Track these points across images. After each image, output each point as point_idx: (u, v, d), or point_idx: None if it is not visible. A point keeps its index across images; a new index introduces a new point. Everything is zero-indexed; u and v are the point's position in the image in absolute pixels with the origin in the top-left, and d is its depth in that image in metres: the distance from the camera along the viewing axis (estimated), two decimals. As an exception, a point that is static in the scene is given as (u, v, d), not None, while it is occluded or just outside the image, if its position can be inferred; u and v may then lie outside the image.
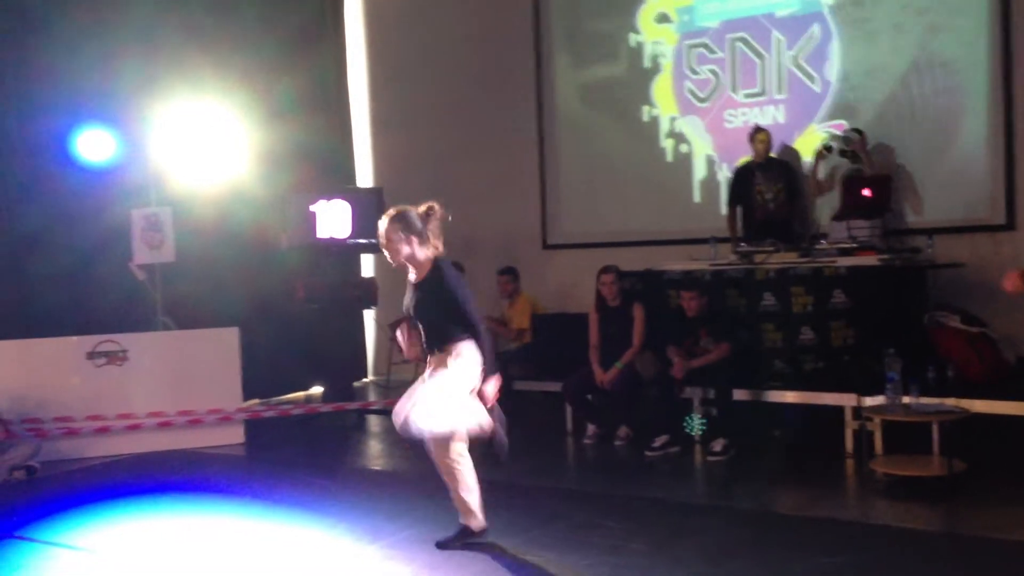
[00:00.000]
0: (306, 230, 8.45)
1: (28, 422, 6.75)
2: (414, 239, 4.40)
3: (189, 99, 8.07)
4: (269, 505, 5.56)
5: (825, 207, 7.90)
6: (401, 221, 4.39)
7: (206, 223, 8.44)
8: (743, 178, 8.05)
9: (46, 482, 6.36)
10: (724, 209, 8.46)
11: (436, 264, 4.47)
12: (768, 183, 7.87)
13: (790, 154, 8.20)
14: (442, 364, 4.45)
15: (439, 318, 4.43)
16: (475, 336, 4.43)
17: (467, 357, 4.43)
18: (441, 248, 4.49)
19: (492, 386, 4.47)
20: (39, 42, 7.73)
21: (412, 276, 4.53)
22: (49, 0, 7.80)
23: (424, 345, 4.55)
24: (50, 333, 7.09)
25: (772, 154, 7.99)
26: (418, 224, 4.41)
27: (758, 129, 7.99)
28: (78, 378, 7.00)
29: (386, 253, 4.46)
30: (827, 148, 7.73)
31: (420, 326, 4.53)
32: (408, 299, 4.56)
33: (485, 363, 4.45)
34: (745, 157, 8.11)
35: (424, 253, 4.44)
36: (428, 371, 4.55)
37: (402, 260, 4.44)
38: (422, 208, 4.47)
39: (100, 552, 4.83)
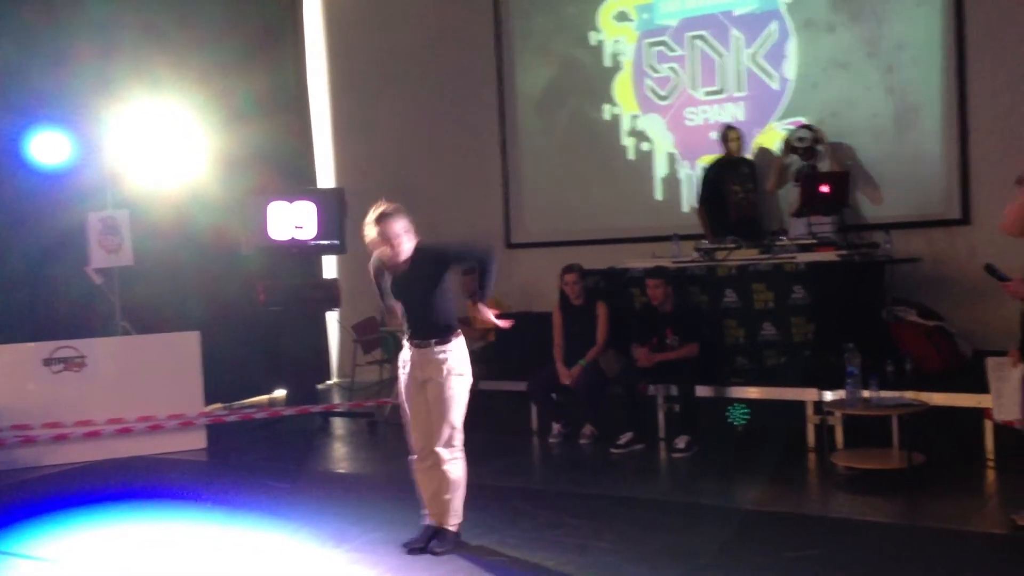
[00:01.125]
0: (266, 232, 8.37)
1: (-16, 430, 6.63)
2: (412, 230, 4.46)
3: (146, 100, 7.96)
4: (232, 510, 5.50)
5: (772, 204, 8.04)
6: (402, 216, 4.43)
7: (164, 226, 8.34)
8: (715, 176, 8.06)
9: (3, 491, 6.24)
10: (686, 207, 8.52)
11: (417, 244, 4.49)
12: (741, 181, 7.92)
13: (757, 152, 8.25)
14: (435, 364, 4.43)
15: (433, 295, 4.43)
16: (487, 258, 4.52)
17: (462, 352, 4.48)
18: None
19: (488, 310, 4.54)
20: (-10, 43, 7.59)
21: (398, 265, 4.49)
22: (2, 0, 7.65)
23: (409, 332, 4.52)
24: (5, 339, 6.97)
25: (745, 154, 8.05)
26: (401, 217, 4.46)
27: (729, 127, 8.04)
28: (35, 385, 6.89)
29: (393, 251, 4.42)
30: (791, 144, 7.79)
31: (410, 314, 4.51)
32: (394, 285, 4.53)
33: (484, 287, 4.54)
34: (711, 155, 8.17)
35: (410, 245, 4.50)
36: (409, 363, 4.53)
37: (405, 256, 4.44)
38: (394, 205, 4.49)
39: (61, 562, 4.75)
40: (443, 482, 4.50)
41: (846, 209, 7.33)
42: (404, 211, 4.46)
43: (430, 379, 4.47)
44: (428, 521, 4.64)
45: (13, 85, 7.62)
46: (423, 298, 4.45)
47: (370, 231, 4.44)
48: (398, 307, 4.57)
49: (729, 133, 8.01)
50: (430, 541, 4.56)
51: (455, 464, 4.51)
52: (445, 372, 4.44)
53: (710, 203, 8.03)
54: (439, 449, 4.45)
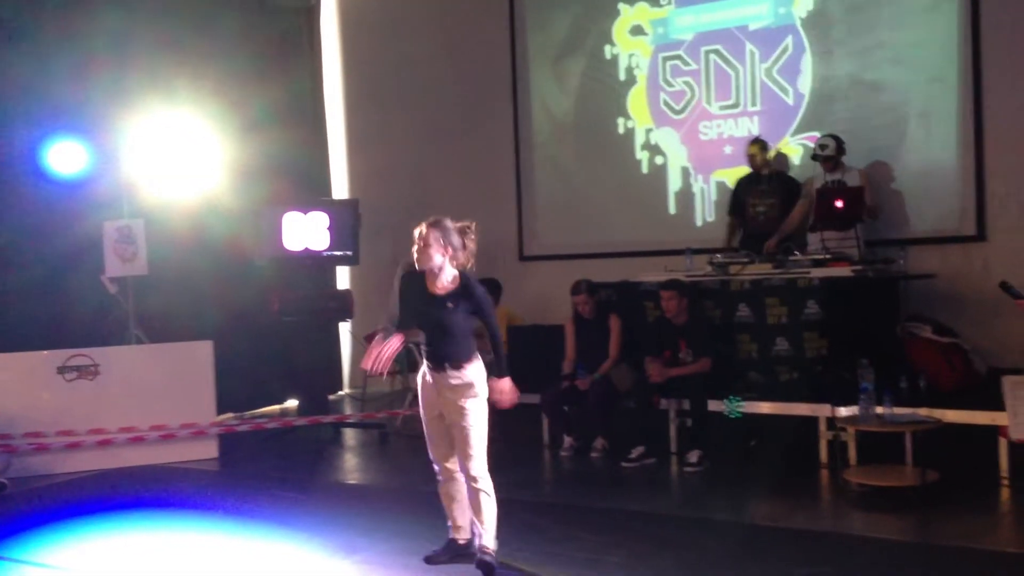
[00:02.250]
0: (281, 243, 8.40)
1: (-3, 438, 6.66)
2: (449, 250, 4.37)
3: (162, 111, 8.01)
4: (243, 520, 5.51)
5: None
6: (440, 229, 4.36)
7: (179, 235, 8.38)
8: (739, 190, 8.09)
9: (16, 499, 6.27)
10: (700, 221, 8.54)
11: (464, 276, 4.43)
12: (760, 196, 7.89)
13: (785, 163, 8.20)
14: (452, 390, 4.39)
15: (460, 332, 4.39)
16: (496, 349, 4.49)
17: (479, 375, 4.43)
18: (465, 264, 4.47)
19: (507, 384, 4.52)
20: (9, 54, 7.65)
21: (432, 287, 4.43)
22: (21, 11, 7.73)
23: (427, 356, 4.47)
24: (20, 347, 6.99)
25: (771, 154, 7.99)
26: (456, 239, 4.39)
27: (751, 141, 8.03)
28: (48, 393, 6.92)
29: (417, 255, 4.37)
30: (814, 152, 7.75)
31: (428, 337, 4.46)
32: (417, 307, 4.48)
33: (499, 367, 4.51)
34: (724, 170, 8.20)
35: (451, 269, 4.41)
36: (426, 383, 4.50)
37: (432, 266, 4.37)
38: (459, 224, 4.44)
39: (72, 570, 4.77)
40: (475, 505, 4.43)
41: (861, 224, 7.29)
42: (444, 225, 4.37)
43: (448, 403, 4.42)
44: (452, 535, 4.61)
45: (31, 96, 7.68)
46: (447, 328, 4.39)
47: (422, 228, 4.39)
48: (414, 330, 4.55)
49: (749, 148, 8.01)
50: (453, 556, 4.55)
51: (484, 486, 4.42)
52: (461, 397, 4.38)
53: (735, 216, 8.06)
54: (474, 473, 4.38)
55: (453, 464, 4.51)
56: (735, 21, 8.47)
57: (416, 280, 4.47)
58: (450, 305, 4.38)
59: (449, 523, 4.64)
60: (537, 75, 9.57)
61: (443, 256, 4.36)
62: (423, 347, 4.51)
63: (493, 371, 4.54)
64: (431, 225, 4.36)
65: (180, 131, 8.00)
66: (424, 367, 4.51)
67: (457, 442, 4.41)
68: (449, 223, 4.40)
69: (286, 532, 5.22)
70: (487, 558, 4.39)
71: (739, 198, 8.05)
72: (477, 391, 4.41)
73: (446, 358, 4.39)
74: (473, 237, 4.47)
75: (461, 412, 4.37)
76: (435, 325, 4.42)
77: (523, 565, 4.50)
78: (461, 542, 4.61)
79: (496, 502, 4.45)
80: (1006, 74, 7.41)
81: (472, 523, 4.50)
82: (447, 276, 4.40)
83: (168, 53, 8.58)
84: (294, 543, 5.03)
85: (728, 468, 6.35)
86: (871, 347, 6.23)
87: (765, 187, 7.92)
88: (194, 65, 8.72)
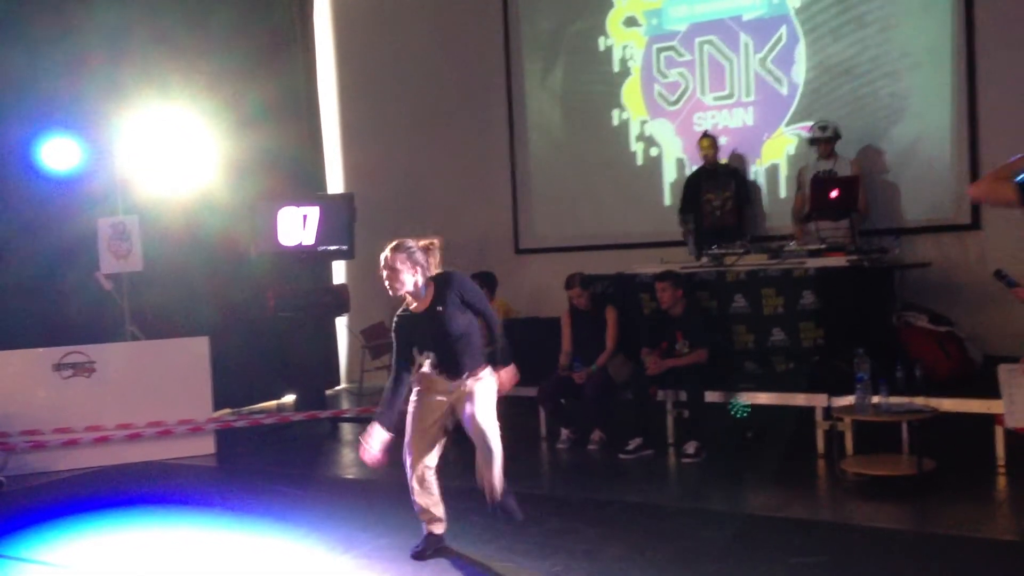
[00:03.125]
0: (276, 238, 8.39)
1: (-6, 436, 6.65)
2: (418, 270, 4.32)
3: (156, 106, 8.00)
4: (241, 516, 5.51)
5: (783, 212, 8.02)
6: (405, 251, 4.29)
7: (174, 231, 8.37)
8: (691, 186, 8.18)
9: (13, 496, 6.27)
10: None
11: (439, 276, 4.39)
12: (716, 190, 7.95)
13: (740, 160, 8.25)
14: (465, 392, 4.41)
15: (464, 332, 4.36)
16: (492, 333, 4.52)
17: (488, 380, 4.46)
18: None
19: (506, 374, 4.52)
20: (2, 49, 7.60)
21: (413, 306, 4.39)
22: (14, 6, 7.70)
23: (441, 370, 4.44)
24: (15, 345, 6.99)
25: (723, 160, 8.05)
26: (421, 257, 4.34)
27: (703, 135, 8.09)
28: (45, 390, 6.91)
29: (388, 284, 4.31)
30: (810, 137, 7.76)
31: (438, 355, 4.41)
32: (418, 333, 4.43)
33: (501, 355, 4.51)
34: (722, 161, 8.20)
35: (423, 282, 4.36)
36: (427, 384, 4.48)
37: (406, 291, 4.32)
38: (423, 242, 4.39)
39: (70, 567, 4.76)
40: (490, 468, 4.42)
41: (856, 214, 7.30)
42: (407, 247, 4.31)
43: (460, 396, 4.43)
44: (430, 529, 4.60)
45: (24, 92, 7.66)
46: (450, 333, 4.34)
47: (384, 253, 4.33)
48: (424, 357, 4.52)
49: (701, 141, 8.09)
50: (437, 549, 4.56)
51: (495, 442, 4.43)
52: (476, 395, 4.40)
53: (687, 212, 8.11)
54: (492, 444, 4.39)
55: (430, 460, 4.49)
56: (729, 12, 8.46)
57: (405, 319, 4.43)
58: (439, 309, 4.34)
59: (423, 519, 4.58)
60: (531, 67, 9.56)
61: (413, 275, 4.31)
62: (433, 366, 4.47)
63: (496, 359, 4.52)
64: (393, 250, 4.31)
65: (174, 126, 7.98)
66: (428, 368, 4.47)
67: (473, 430, 4.38)
68: (411, 243, 4.35)
69: (284, 527, 5.22)
70: (508, 499, 4.47)
71: (692, 194, 8.12)
72: (487, 383, 4.47)
73: (462, 368, 4.39)
74: (438, 253, 4.43)
75: (474, 398, 4.38)
76: (438, 338, 4.37)
77: (521, 557, 4.51)
78: (439, 533, 4.60)
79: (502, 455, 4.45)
80: (1000, 61, 7.42)
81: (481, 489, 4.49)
82: (423, 291, 4.35)
83: (162, 48, 8.56)
84: (292, 538, 5.03)
85: (725, 459, 6.36)
86: (867, 337, 6.24)
87: (724, 179, 7.96)
88: (188, 60, 8.70)
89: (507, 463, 4.49)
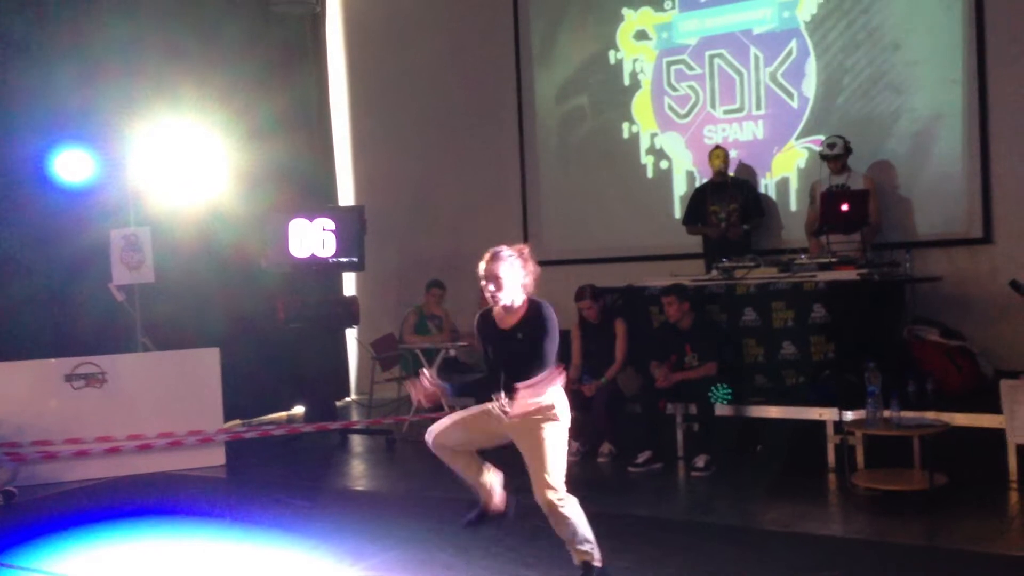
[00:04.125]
0: (286, 249, 8.42)
1: (6, 446, 6.66)
2: (519, 277, 4.17)
3: (169, 118, 8.04)
4: (250, 527, 5.51)
5: (793, 225, 8.01)
6: (508, 260, 4.14)
7: (186, 243, 8.41)
8: (697, 198, 8.20)
9: (24, 507, 6.28)
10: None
11: (533, 302, 4.21)
12: (721, 203, 7.96)
13: (748, 173, 8.25)
14: (534, 411, 4.16)
15: (535, 360, 4.14)
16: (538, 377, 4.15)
17: (562, 403, 4.22)
18: (531, 285, 4.26)
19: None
20: (17, 63, 7.69)
21: (502, 322, 4.23)
22: (29, 21, 7.77)
23: (504, 388, 4.22)
24: (28, 355, 7.03)
25: (730, 173, 8.05)
26: (520, 265, 4.18)
27: (714, 147, 8.10)
28: (56, 401, 6.93)
29: (493, 295, 4.15)
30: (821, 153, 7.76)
31: (505, 373, 4.22)
32: (491, 346, 4.29)
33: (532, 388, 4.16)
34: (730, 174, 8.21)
35: (521, 294, 4.21)
36: (499, 407, 4.28)
37: (510, 303, 4.16)
38: (516, 248, 4.24)
39: (79, 578, 4.77)
40: (560, 528, 4.21)
41: (867, 227, 7.29)
42: (510, 256, 4.15)
43: (521, 427, 4.19)
44: (484, 504, 4.43)
45: (38, 105, 7.72)
46: (521, 359, 4.16)
47: (482, 265, 4.19)
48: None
49: (711, 153, 8.10)
50: (482, 516, 4.40)
51: (568, 506, 4.19)
52: (540, 419, 4.17)
53: (692, 224, 8.19)
54: (554, 499, 4.14)
55: (450, 442, 4.31)
56: (739, 25, 8.48)
57: (485, 320, 4.31)
58: (520, 336, 4.19)
59: (479, 492, 4.41)
60: (541, 80, 9.58)
61: (517, 285, 4.16)
62: (502, 384, 4.26)
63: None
64: (494, 259, 4.14)
65: (186, 139, 8.02)
66: (499, 400, 4.27)
67: (532, 469, 4.18)
68: (507, 249, 4.20)
69: (294, 539, 5.22)
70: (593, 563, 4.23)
71: (698, 206, 8.14)
72: (557, 414, 4.19)
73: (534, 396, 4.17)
74: (528, 254, 4.25)
75: (538, 434, 4.16)
76: (509, 359, 4.23)
77: (530, 571, 4.51)
78: (494, 506, 4.41)
79: (581, 512, 4.22)
80: (1012, 76, 7.41)
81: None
82: (516, 303, 4.19)
83: (174, 61, 8.62)
84: (302, 550, 5.02)
85: (735, 472, 6.34)
86: (878, 350, 6.22)
87: (730, 192, 7.96)
88: (200, 73, 8.75)
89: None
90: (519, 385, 4.08)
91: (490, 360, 4.34)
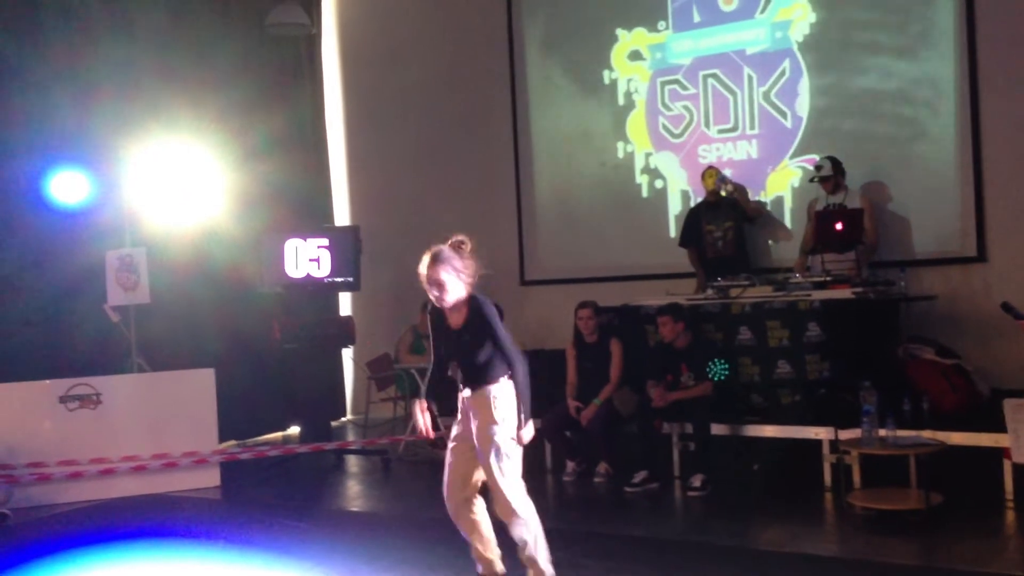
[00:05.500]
0: (282, 270, 8.42)
1: (-1, 468, 6.65)
2: (461, 276, 4.20)
3: (164, 139, 8.05)
4: (245, 549, 5.48)
5: (787, 244, 8.04)
6: (444, 261, 4.17)
7: (181, 264, 8.41)
8: (692, 218, 8.25)
9: (19, 529, 6.25)
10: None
11: (473, 301, 4.25)
12: (716, 222, 8.00)
13: (741, 190, 8.27)
14: (482, 409, 4.24)
15: (485, 356, 4.21)
16: (513, 372, 4.25)
17: (506, 399, 4.25)
18: (476, 277, 4.29)
19: (527, 433, 4.27)
20: (12, 84, 7.71)
21: (451, 320, 4.31)
22: (23, 43, 7.79)
23: (461, 382, 4.34)
24: (22, 377, 7.00)
25: (723, 193, 8.08)
26: (458, 262, 4.21)
27: (707, 168, 8.17)
28: (50, 423, 6.91)
29: (436, 295, 4.21)
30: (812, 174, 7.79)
31: (461, 371, 4.32)
32: (444, 345, 4.38)
33: (521, 407, 4.25)
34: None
35: (462, 290, 4.23)
36: (460, 414, 4.37)
37: (455, 302, 4.22)
38: (451, 243, 4.27)
39: (72, 601, 4.74)
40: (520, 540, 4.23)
41: (861, 246, 7.31)
42: (447, 256, 4.18)
43: (477, 430, 4.26)
44: (480, 570, 4.46)
45: (33, 126, 7.73)
46: (471, 359, 4.23)
47: (422, 269, 4.23)
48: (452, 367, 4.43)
49: (704, 174, 8.14)
50: None
51: (532, 523, 4.22)
52: (486, 421, 4.22)
53: (689, 244, 8.23)
54: (512, 516, 4.17)
55: (465, 492, 4.35)
56: (732, 45, 8.53)
57: (438, 315, 4.35)
58: (466, 338, 4.25)
59: (478, 565, 4.45)
60: (537, 100, 9.62)
61: (458, 281, 4.19)
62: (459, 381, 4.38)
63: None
64: (434, 262, 4.18)
65: (182, 160, 8.03)
66: (461, 396, 4.37)
67: (491, 486, 4.22)
68: (446, 250, 4.22)
69: (289, 561, 5.19)
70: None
71: (694, 226, 8.19)
72: (500, 416, 4.21)
73: (470, 379, 4.28)
74: (469, 249, 4.28)
75: (490, 449, 4.19)
76: (460, 358, 4.30)
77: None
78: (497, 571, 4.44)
79: (539, 526, 4.26)
80: (1003, 94, 7.45)
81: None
82: (459, 299, 4.24)
83: (169, 83, 8.64)
84: (297, 572, 5.00)
85: (732, 492, 6.33)
86: (873, 369, 6.22)
87: (721, 212, 8.01)
88: (195, 94, 8.78)
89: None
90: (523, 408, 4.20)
91: (440, 355, 4.41)
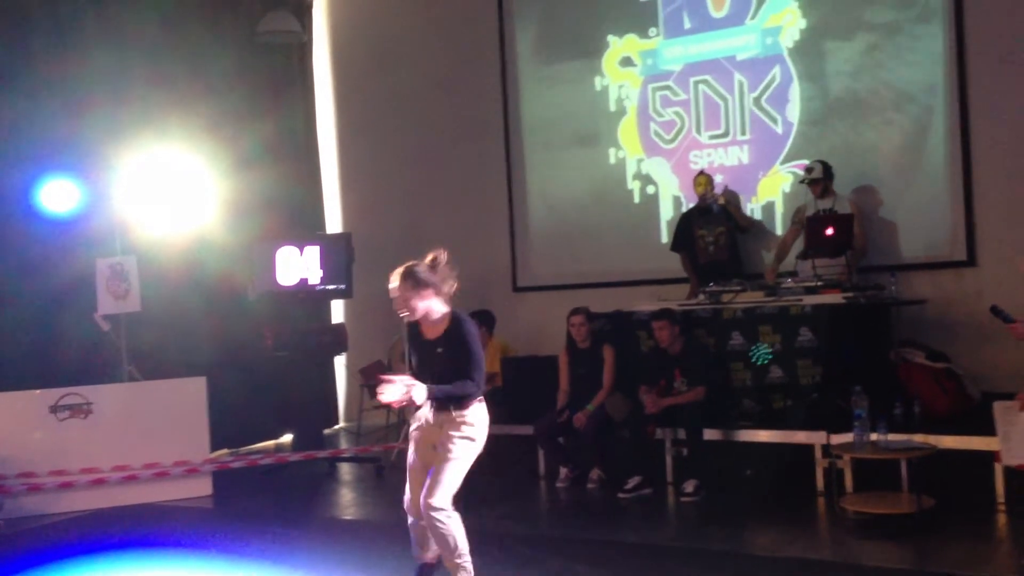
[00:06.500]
0: (274, 277, 8.41)
1: (-10, 478, 6.62)
2: (429, 292, 4.33)
3: (155, 148, 8.03)
4: (237, 558, 5.47)
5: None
6: (411, 278, 4.31)
7: (172, 272, 8.38)
8: (684, 224, 8.26)
9: (9, 540, 6.22)
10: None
11: (455, 317, 4.38)
12: (708, 227, 8.02)
13: (733, 197, 8.29)
14: (451, 424, 4.32)
15: (456, 375, 4.29)
16: (456, 383, 4.29)
17: (480, 422, 4.37)
18: (452, 292, 4.41)
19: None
20: (2, 92, 7.67)
21: (425, 332, 4.42)
22: (13, 50, 7.77)
23: (432, 404, 4.40)
24: (12, 387, 6.97)
25: (714, 208, 8.10)
26: (429, 277, 4.33)
27: (698, 173, 8.17)
28: (41, 432, 6.87)
29: (401, 312, 4.36)
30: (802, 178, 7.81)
31: (431, 378, 4.35)
32: (417, 356, 4.45)
33: (439, 392, 4.29)
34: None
35: (440, 306, 4.38)
36: (425, 427, 4.43)
37: (418, 316, 4.36)
38: (427, 259, 4.40)
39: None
40: (440, 542, 4.32)
41: (851, 251, 7.33)
42: (413, 273, 4.31)
43: (444, 438, 4.33)
44: (422, 558, 4.58)
45: (24, 134, 7.71)
46: (443, 374, 4.31)
47: (393, 283, 4.35)
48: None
49: (695, 179, 8.15)
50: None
51: (450, 523, 4.29)
52: (457, 433, 4.31)
53: (681, 249, 8.24)
54: (436, 503, 4.25)
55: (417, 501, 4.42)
56: (723, 52, 8.55)
57: (415, 326, 4.47)
58: (440, 351, 4.35)
59: (416, 549, 4.57)
60: (528, 107, 9.63)
61: (425, 301, 4.33)
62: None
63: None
64: (401, 277, 4.33)
65: (173, 168, 8.00)
66: (426, 410, 4.43)
67: (432, 472, 4.30)
68: (418, 265, 4.35)
69: (281, 569, 5.18)
70: None
71: (686, 231, 8.20)
72: (473, 433, 4.34)
73: (449, 403, 4.33)
74: (445, 265, 4.40)
75: (449, 445, 4.29)
76: (432, 372, 4.36)
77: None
78: (430, 558, 4.55)
79: (461, 528, 4.32)
80: (992, 99, 7.48)
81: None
82: (436, 314, 4.37)
83: (160, 91, 8.63)
84: (289, 581, 4.99)
85: (725, 497, 6.33)
86: (864, 374, 6.24)
87: (712, 217, 8.03)
88: (187, 102, 8.77)
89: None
90: (437, 388, 4.24)
91: (413, 369, 4.46)
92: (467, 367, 4.29)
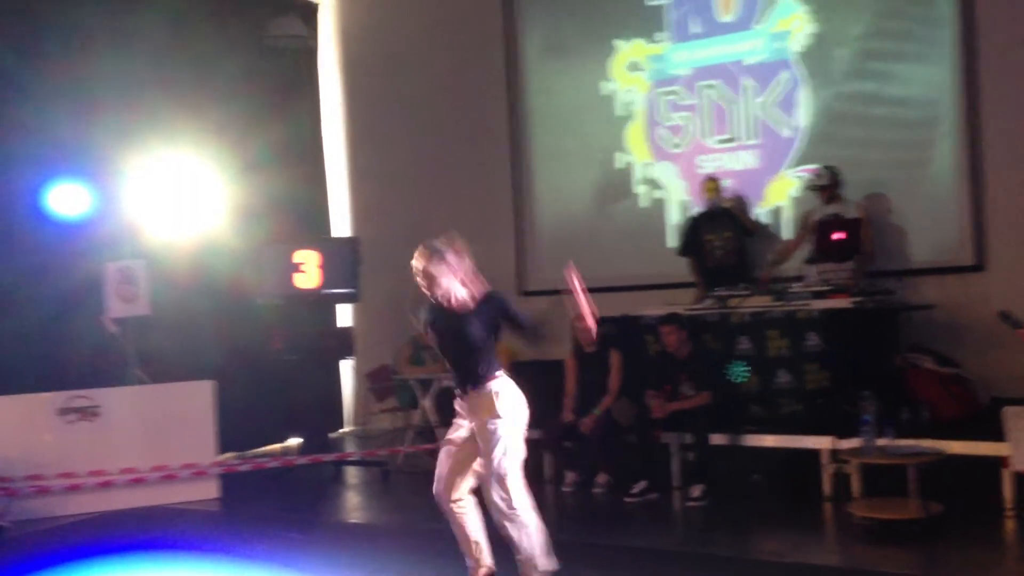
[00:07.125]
0: (282, 281, 8.42)
1: (-2, 480, 6.64)
2: (458, 272, 4.31)
3: (164, 152, 8.07)
4: (244, 562, 5.47)
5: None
6: (436, 257, 4.28)
7: (181, 275, 8.40)
8: (691, 228, 8.25)
9: (16, 542, 6.24)
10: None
11: (489, 295, 4.39)
12: (715, 231, 8.01)
13: (739, 202, 8.29)
14: (483, 407, 4.28)
15: (479, 344, 4.27)
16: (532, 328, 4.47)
17: (509, 394, 4.32)
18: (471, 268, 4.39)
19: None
20: (12, 97, 7.72)
21: (450, 303, 4.35)
22: (23, 55, 7.81)
23: (454, 382, 4.40)
24: (20, 389, 7.00)
25: (726, 202, 8.09)
26: (451, 256, 4.31)
27: (707, 178, 8.16)
28: (49, 435, 6.90)
29: (433, 294, 4.31)
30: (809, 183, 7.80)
31: (451, 360, 4.36)
32: (437, 323, 4.39)
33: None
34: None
35: (468, 285, 4.34)
36: (463, 415, 4.40)
37: (451, 296, 4.30)
38: (455, 244, 4.37)
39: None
40: (512, 534, 4.25)
41: (860, 256, 7.31)
42: (435, 248, 4.30)
43: (479, 425, 4.29)
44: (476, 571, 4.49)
45: (33, 139, 7.74)
46: (467, 340, 4.27)
47: (417, 263, 4.31)
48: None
49: (704, 184, 8.15)
50: None
51: (522, 512, 4.24)
52: (489, 414, 4.26)
53: (689, 254, 8.22)
54: (506, 495, 4.20)
55: (458, 493, 4.40)
56: (731, 56, 8.54)
57: (436, 307, 4.40)
58: (465, 324, 4.29)
59: (468, 562, 4.49)
60: (535, 112, 9.63)
61: (456, 279, 4.29)
62: (453, 377, 4.44)
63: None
64: (425, 258, 4.27)
65: (181, 172, 8.05)
66: (457, 400, 4.42)
67: (484, 464, 4.25)
68: (438, 245, 4.33)
69: (288, 573, 5.19)
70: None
71: (694, 236, 8.19)
72: (503, 407, 4.27)
73: (468, 379, 4.31)
74: (459, 244, 4.39)
75: (489, 434, 4.23)
76: (455, 340, 4.31)
77: (526, 604, 4.46)
78: (486, 570, 4.46)
79: (538, 527, 4.28)
80: (1002, 103, 7.45)
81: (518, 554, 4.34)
82: (461, 294, 4.31)
83: (169, 95, 8.65)
84: (295, 584, 5.00)
85: (731, 502, 6.32)
86: (872, 379, 6.22)
87: (720, 221, 8.02)
88: (195, 107, 8.79)
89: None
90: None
91: (436, 345, 4.44)
92: (517, 322, 4.39)
